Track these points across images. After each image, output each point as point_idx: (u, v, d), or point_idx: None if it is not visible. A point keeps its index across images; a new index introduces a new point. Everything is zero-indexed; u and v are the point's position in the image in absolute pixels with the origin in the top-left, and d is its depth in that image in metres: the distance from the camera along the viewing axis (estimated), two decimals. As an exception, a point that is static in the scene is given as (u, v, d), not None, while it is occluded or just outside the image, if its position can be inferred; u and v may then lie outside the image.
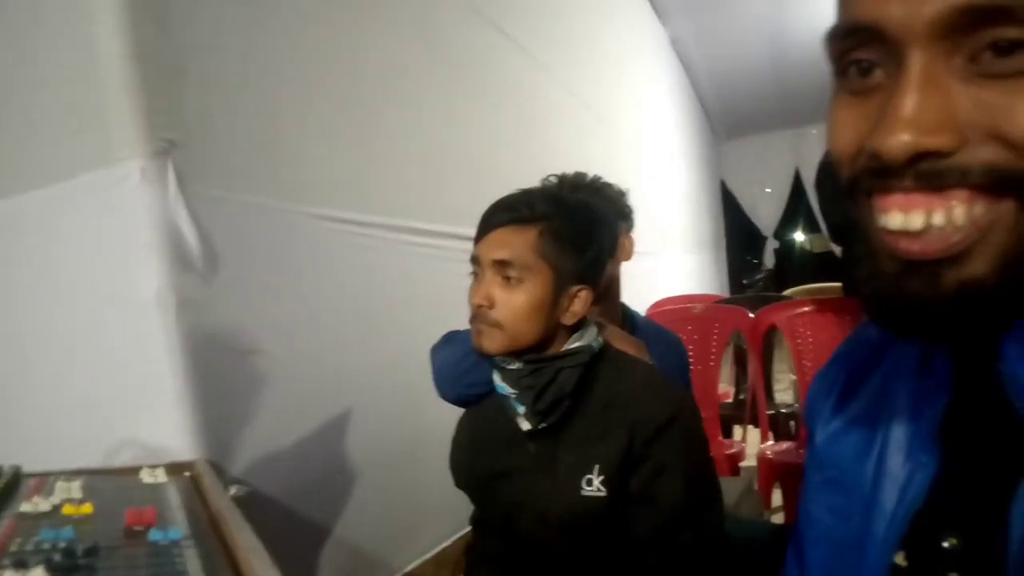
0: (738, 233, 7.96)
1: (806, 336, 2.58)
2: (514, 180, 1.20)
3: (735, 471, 2.45)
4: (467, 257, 1.10)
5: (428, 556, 1.92)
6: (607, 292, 1.44)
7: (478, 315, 1.05)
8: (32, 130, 1.35)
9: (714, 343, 2.78)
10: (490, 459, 1.15)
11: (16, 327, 1.36)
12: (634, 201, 1.57)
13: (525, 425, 1.08)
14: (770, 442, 2.72)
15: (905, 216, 0.43)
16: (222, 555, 0.74)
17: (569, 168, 1.51)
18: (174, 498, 0.95)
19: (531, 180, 1.33)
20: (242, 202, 1.44)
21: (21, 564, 0.64)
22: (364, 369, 1.73)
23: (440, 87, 2.20)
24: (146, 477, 1.06)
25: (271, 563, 0.69)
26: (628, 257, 1.54)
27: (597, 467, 1.04)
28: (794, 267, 8.05)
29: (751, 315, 2.78)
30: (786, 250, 8.11)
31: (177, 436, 1.27)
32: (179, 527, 0.79)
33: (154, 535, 0.76)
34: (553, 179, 1.46)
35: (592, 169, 1.53)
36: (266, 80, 1.54)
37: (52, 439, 1.27)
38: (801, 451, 2.43)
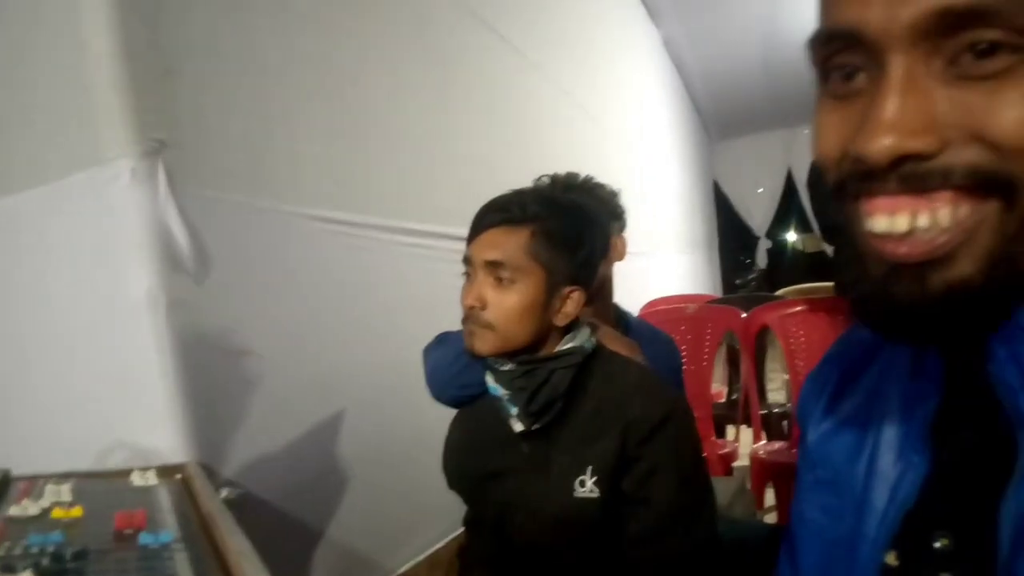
0: (731, 233, 7.98)
1: (798, 336, 2.59)
2: (507, 180, 1.20)
3: (728, 471, 2.46)
4: (460, 257, 1.10)
5: (421, 557, 1.92)
6: (600, 292, 1.44)
7: (470, 316, 1.05)
8: (21, 130, 1.34)
9: (707, 343, 2.79)
10: (483, 460, 1.15)
11: (5, 328, 1.35)
12: (627, 201, 1.58)
13: (518, 426, 1.07)
14: (763, 442, 2.73)
15: (890, 219, 0.43)
16: (213, 559, 0.73)
17: (562, 168, 1.51)
18: (165, 501, 0.94)
19: (524, 180, 1.33)
20: (234, 202, 1.44)
21: (9, 569, 0.63)
22: (356, 370, 1.72)
23: (433, 87, 2.19)
24: (137, 480, 1.05)
25: (262, 567, 0.69)
26: (621, 257, 1.54)
27: (590, 468, 1.04)
28: (786, 267, 8.07)
29: (744, 315, 2.79)
30: (778, 250, 8.13)
31: (168, 438, 1.26)
32: (169, 530, 0.78)
33: (144, 538, 0.75)
34: (545, 179, 1.46)
35: (584, 169, 1.53)
36: (258, 80, 1.54)
37: (42, 441, 1.26)
38: (793, 451, 2.44)
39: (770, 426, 2.94)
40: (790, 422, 2.90)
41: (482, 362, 1.10)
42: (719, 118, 7.09)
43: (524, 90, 2.89)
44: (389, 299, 1.87)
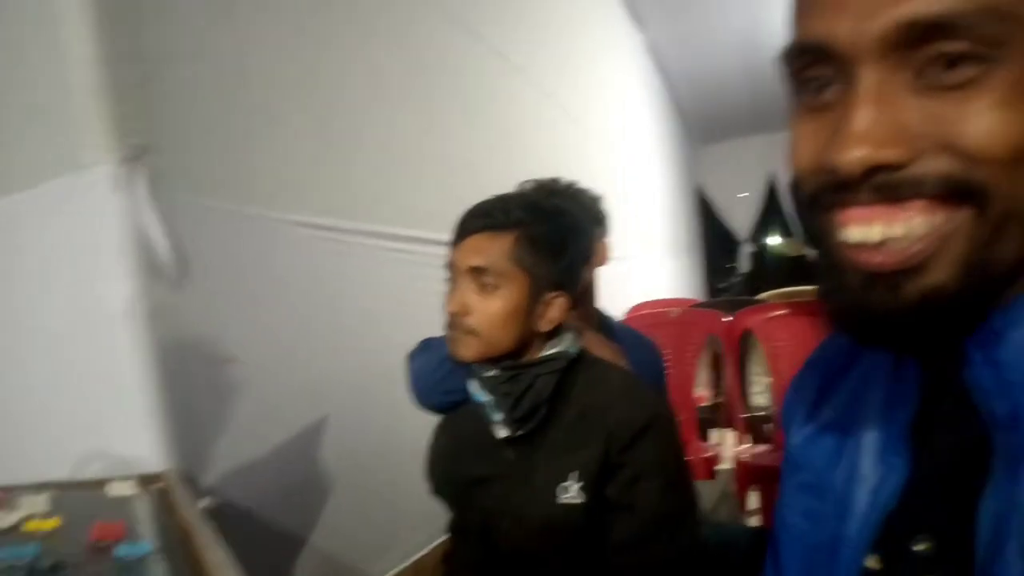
0: (714, 237, 8.03)
1: (781, 339, 2.60)
2: (490, 184, 1.19)
3: (712, 475, 2.47)
4: (444, 262, 1.09)
5: (406, 564, 1.91)
6: (583, 297, 1.44)
7: (453, 322, 1.04)
8: (-1, 135, 1.32)
9: (690, 347, 2.79)
10: (467, 466, 1.14)
11: (-19, 336, 1.33)
12: (610, 205, 1.58)
13: (502, 432, 1.07)
14: (746, 445, 2.74)
15: (865, 229, 0.44)
16: (192, 570, 0.73)
17: (545, 172, 1.51)
18: (143, 511, 0.93)
19: (507, 185, 1.33)
20: (215, 208, 1.43)
21: (-18, 582, 0.62)
22: (339, 376, 1.71)
23: (417, 92, 2.19)
24: (115, 490, 1.04)
25: (241, 577, 0.68)
26: (604, 262, 1.54)
27: (574, 474, 1.04)
28: (769, 271, 8.12)
29: (726, 319, 2.80)
30: (761, 254, 8.19)
31: (147, 447, 1.25)
32: (148, 541, 0.77)
33: (121, 550, 0.74)
34: (529, 184, 1.46)
35: (567, 173, 1.53)
36: (241, 85, 1.53)
37: (18, 451, 1.24)
38: (777, 454, 2.45)
39: (753, 429, 2.95)
40: (773, 425, 2.91)
41: (466, 368, 1.09)
42: (702, 123, 7.14)
43: (507, 94, 2.89)
44: (372, 304, 1.86)
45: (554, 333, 1.10)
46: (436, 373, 1.21)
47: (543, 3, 3.44)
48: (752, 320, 2.71)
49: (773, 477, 0.75)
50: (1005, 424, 0.44)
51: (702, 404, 3.30)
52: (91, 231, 1.25)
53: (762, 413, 3.07)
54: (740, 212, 7.59)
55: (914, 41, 0.41)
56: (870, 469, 0.54)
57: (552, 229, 1.08)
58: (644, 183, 5.36)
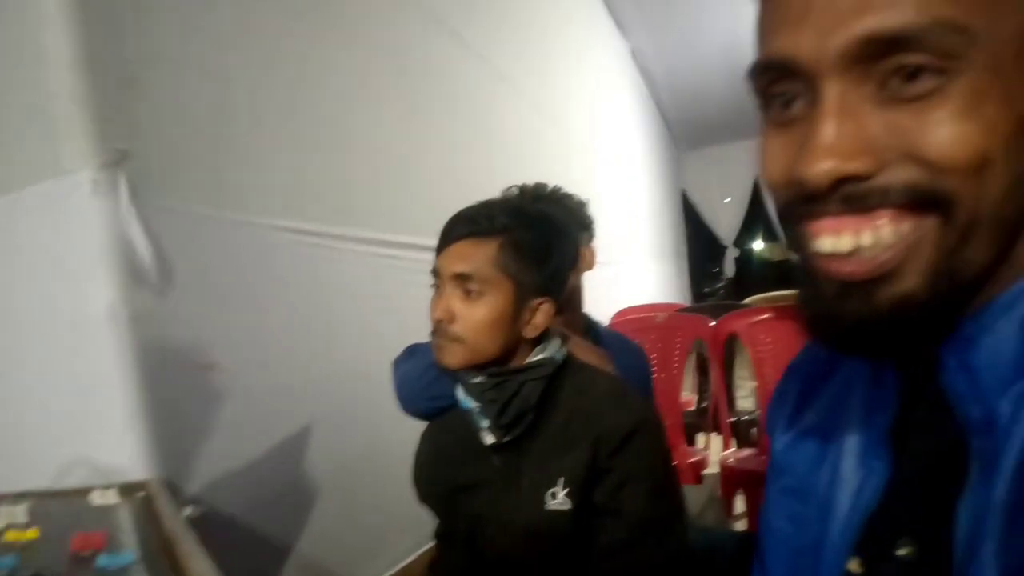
0: (699, 242, 8.06)
1: (766, 343, 2.61)
2: (474, 190, 1.19)
3: (699, 479, 2.47)
4: (429, 268, 1.09)
5: (392, 572, 1.90)
6: (569, 303, 1.44)
7: (439, 329, 1.04)
8: (-23, 140, 1.31)
9: (676, 351, 2.80)
10: (454, 473, 1.14)
11: (-40, 344, 1.31)
12: (595, 211, 1.58)
13: (489, 439, 1.07)
14: (732, 449, 2.75)
15: (835, 239, 0.45)
16: (174, 579, 0.72)
17: (530, 178, 1.51)
18: (126, 520, 0.92)
19: (492, 190, 1.33)
20: (198, 213, 1.42)
21: (-42, 595, 0.61)
22: (324, 383, 1.70)
23: (400, 97, 2.19)
24: (97, 499, 1.02)
25: (225, 587, 0.67)
26: (589, 267, 1.54)
27: (561, 480, 1.03)
28: (754, 275, 8.16)
29: (712, 323, 2.81)
30: (746, 259, 8.23)
31: (130, 455, 1.23)
32: (130, 551, 0.77)
33: (102, 560, 0.73)
34: (514, 190, 1.46)
35: (552, 178, 1.53)
36: (224, 90, 1.52)
37: (-3, 460, 1.22)
38: (762, 458, 2.46)
39: (739, 433, 2.97)
40: (759, 429, 2.92)
41: (452, 374, 1.09)
42: (686, 128, 7.17)
43: (492, 100, 2.89)
44: (356, 310, 1.86)
45: (540, 339, 1.10)
46: (422, 379, 1.21)
47: (527, 9, 3.45)
48: (737, 324, 2.72)
49: (758, 481, 0.76)
50: (979, 428, 0.45)
51: (688, 408, 3.31)
52: (72, 236, 1.24)
53: (748, 417, 3.09)
54: (725, 217, 7.62)
55: (874, 55, 0.42)
56: (851, 472, 0.54)
57: (537, 235, 1.08)
58: (629, 188, 5.38)
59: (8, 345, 1.29)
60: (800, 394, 0.65)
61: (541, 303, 1.07)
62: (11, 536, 0.80)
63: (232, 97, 1.54)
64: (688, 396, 3.41)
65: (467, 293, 1.03)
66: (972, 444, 0.45)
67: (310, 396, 1.66)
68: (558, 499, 1.03)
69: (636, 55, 5.57)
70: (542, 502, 1.04)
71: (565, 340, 1.15)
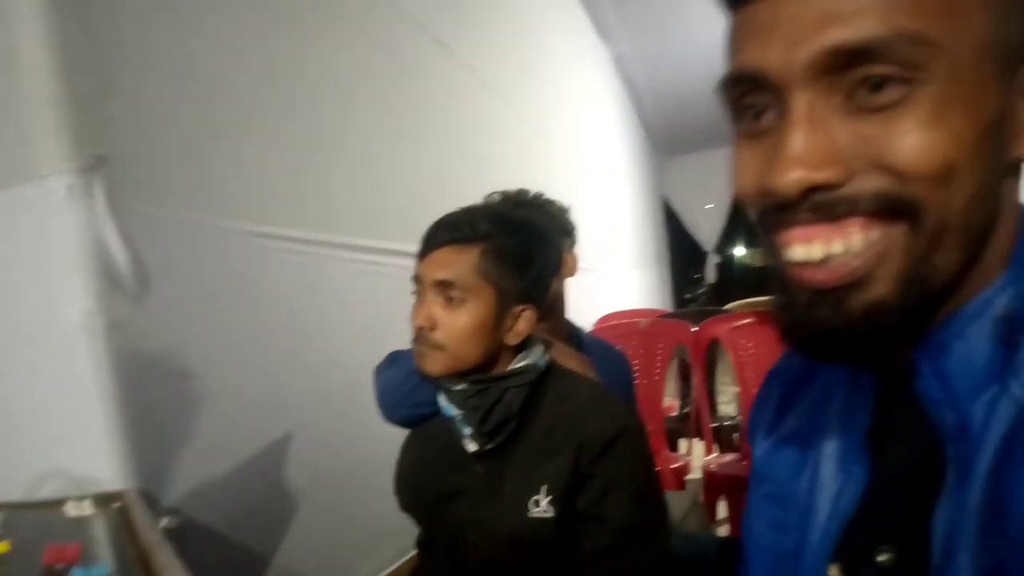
0: (680, 248, 8.11)
1: (747, 348, 2.62)
2: (457, 196, 1.19)
3: (682, 485, 2.48)
4: (411, 274, 1.08)
5: (374, 581, 1.88)
6: (552, 309, 1.44)
7: (420, 336, 1.03)
8: (-50, 145, 1.28)
9: (659, 357, 2.81)
10: (436, 481, 1.13)
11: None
12: (577, 217, 1.58)
13: (471, 446, 1.06)
14: (714, 455, 2.76)
15: (806, 248, 0.46)
16: (150, 592, 0.70)
17: (512, 184, 1.51)
18: (101, 532, 0.90)
19: (474, 196, 1.33)
20: (176, 219, 1.40)
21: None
22: (304, 391, 1.69)
23: (382, 103, 2.18)
24: (71, 510, 1.01)
25: (202, 600, 0.66)
26: (572, 273, 1.54)
27: (544, 487, 1.03)
28: (735, 281, 8.23)
29: (694, 329, 2.82)
30: (727, 265, 8.30)
31: (106, 465, 1.21)
32: (105, 564, 0.75)
33: (76, 574, 0.72)
34: (496, 196, 1.46)
35: (534, 185, 1.53)
36: (204, 94, 1.50)
37: (-31, 471, 1.20)
38: (744, 463, 2.47)
39: (721, 439, 2.98)
40: (741, 434, 2.94)
41: (434, 381, 1.08)
42: (668, 135, 7.22)
43: (474, 106, 2.89)
44: (339, 317, 1.84)
45: (523, 346, 1.09)
46: (403, 387, 1.20)
47: (510, 17, 3.46)
48: (719, 330, 2.73)
49: (741, 486, 0.76)
50: (954, 434, 0.46)
51: (670, 414, 3.32)
52: (47, 242, 1.22)
53: (730, 422, 3.10)
54: (706, 223, 7.68)
55: (840, 66, 0.43)
56: (830, 477, 0.55)
57: (519, 241, 1.07)
58: (611, 195, 5.40)
59: (-20, 354, 1.27)
60: (781, 400, 0.65)
61: (523, 310, 1.07)
62: (-19, 549, 0.79)
63: (211, 102, 1.53)
64: (670, 402, 3.42)
65: (449, 300, 1.03)
66: (947, 449, 0.46)
67: (290, 404, 1.65)
68: (541, 506, 1.03)
69: (618, 62, 5.61)
70: (525, 510, 1.03)
71: (548, 346, 1.15)
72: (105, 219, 1.22)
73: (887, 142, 0.43)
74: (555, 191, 1.58)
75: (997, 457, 0.43)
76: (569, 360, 1.22)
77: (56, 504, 1.02)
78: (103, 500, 1.05)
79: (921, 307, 0.46)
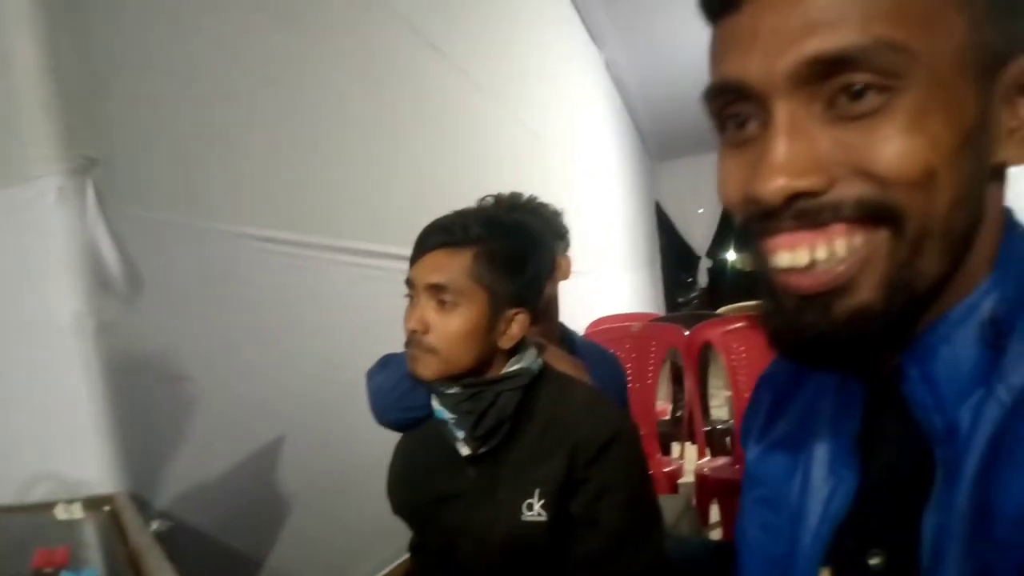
0: (672, 252, 8.13)
1: (740, 352, 2.63)
2: (450, 199, 1.19)
3: (674, 488, 2.48)
4: (404, 277, 1.08)
5: (365, 585, 1.87)
6: (545, 312, 1.44)
7: (412, 340, 1.03)
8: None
9: (651, 361, 2.81)
10: (429, 484, 1.13)
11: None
12: (570, 221, 1.58)
13: (465, 450, 1.06)
14: (707, 458, 2.76)
15: (792, 254, 0.46)
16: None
17: (505, 187, 1.51)
18: (91, 536, 0.90)
19: (467, 199, 1.32)
20: (168, 221, 1.39)
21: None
22: (297, 394, 1.68)
23: (376, 105, 2.18)
24: (61, 513, 1.00)
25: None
26: (565, 277, 1.55)
27: (538, 491, 1.03)
28: (727, 285, 8.25)
29: (686, 332, 2.83)
30: (719, 269, 8.32)
31: (96, 468, 1.21)
32: (94, 568, 0.75)
33: (65, 577, 0.71)
34: (489, 199, 1.45)
35: (527, 188, 1.53)
36: (196, 96, 1.50)
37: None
38: (737, 467, 2.47)
39: (714, 442, 2.99)
40: (733, 438, 2.94)
41: (426, 385, 1.08)
42: (660, 139, 7.24)
43: (467, 109, 2.90)
44: (331, 320, 1.84)
45: (516, 349, 1.09)
46: (396, 390, 1.20)
47: (503, 20, 3.47)
48: (711, 333, 2.74)
49: (733, 490, 0.76)
50: (942, 438, 0.46)
51: (663, 418, 3.33)
52: (37, 244, 1.22)
53: (722, 426, 3.11)
54: (698, 227, 7.70)
55: (820, 75, 0.44)
56: (821, 481, 0.55)
57: (512, 245, 1.07)
58: (604, 198, 5.41)
59: (-30, 356, 1.26)
60: (772, 404, 0.65)
61: (516, 313, 1.07)
62: (-31, 553, 0.78)
63: (204, 104, 1.52)
64: (663, 405, 3.43)
65: (441, 303, 1.02)
66: (936, 453, 0.46)
67: (282, 407, 1.64)
68: (534, 510, 1.03)
69: (610, 66, 5.62)
70: (518, 513, 1.03)
71: (541, 350, 1.15)
72: (96, 221, 1.21)
73: (868, 149, 0.43)
74: (550, 193, 1.58)
75: (983, 460, 0.43)
76: (562, 364, 1.22)
77: (46, 507, 1.02)
78: (93, 503, 1.05)
79: (906, 312, 0.46)
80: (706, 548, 1.56)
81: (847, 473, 0.53)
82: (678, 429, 3.25)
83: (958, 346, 0.47)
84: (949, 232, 0.45)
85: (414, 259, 1.07)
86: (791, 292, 0.47)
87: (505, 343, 1.06)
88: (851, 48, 0.42)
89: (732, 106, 0.48)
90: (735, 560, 0.65)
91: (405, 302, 1.07)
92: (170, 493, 1.32)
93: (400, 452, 1.22)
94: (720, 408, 3.42)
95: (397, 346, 1.12)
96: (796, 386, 0.63)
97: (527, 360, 1.09)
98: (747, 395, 0.70)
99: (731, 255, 9.04)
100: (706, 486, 2.48)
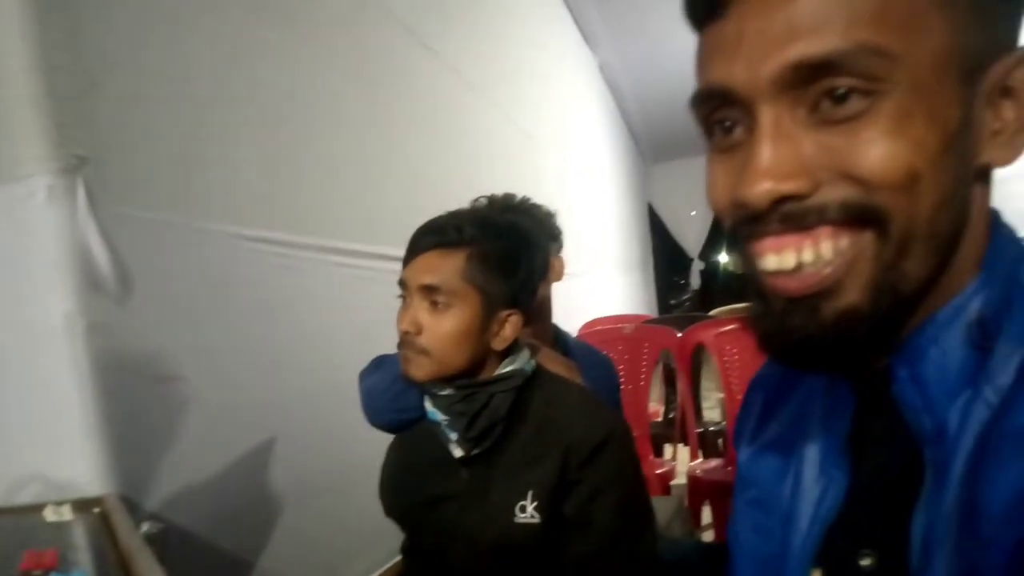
0: (665, 254, 8.16)
1: (732, 354, 2.64)
2: (443, 200, 1.19)
3: (667, 490, 2.48)
4: (396, 278, 1.08)
5: (357, 587, 1.87)
6: (539, 313, 1.44)
7: (405, 341, 1.03)
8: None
9: (644, 362, 2.81)
10: (422, 486, 1.13)
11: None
12: (563, 222, 1.58)
13: (457, 452, 1.06)
14: (699, 460, 2.76)
15: (778, 257, 0.47)
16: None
17: (498, 187, 1.51)
18: (80, 537, 0.89)
19: (461, 199, 1.32)
20: (159, 221, 1.39)
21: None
22: (289, 395, 1.67)
23: (370, 105, 2.17)
24: (50, 515, 0.99)
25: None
26: (559, 278, 1.55)
27: (531, 493, 1.03)
28: (719, 287, 8.28)
29: (679, 334, 2.83)
30: (711, 271, 8.35)
31: (86, 469, 1.20)
32: (83, 570, 0.74)
33: (54, 580, 0.71)
34: (482, 200, 1.45)
35: (520, 189, 1.53)
36: (188, 95, 1.49)
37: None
38: (729, 468, 2.48)
39: (706, 444, 2.99)
40: (725, 440, 2.94)
41: (420, 386, 1.08)
42: (653, 142, 7.26)
43: (461, 109, 2.90)
44: (322, 321, 1.83)
45: (509, 351, 1.09)
46: (389, 391, 1.20)
47: (497, 21, 3.47)
48: (704, 335, 2.74)
49: (726, 492, 0.76)
50: (931, 438, 0.47)
51: (655, 419, 3.33)
52: (27, 243, 1.21)
53: (715, 427, 3.11)
54: (691, 230, 7.73)
55: (804, 79, 0.44)
56: (812, 482, 0.56)
57: (505, 246, 1.07)
58: (597, 200, 5.42)
59: (-42, 356, 1.25)
60: (764, 406, 0.66)
61: (510, 315, 1.06)
62: (-43, 555, 0.77)
63: (195, 103, 1.52)
64: (655, 407, 3.43)
65: (434, 305, 1.02)
66: (925, 453, 0.47)
67: (273, 409, 1.63)
68: (527, 512, 1.03)
69: (604, 69, 5.63)
70: (511, 515, 1.03)
71: (534, 351, 1.15)
72: (87, 220, 1.21)
73: (852, 152, 0.44)
74: (543, 194, 1.58)
75: (970, 460, 0.44)
76: (556, 365, 1.22)
77: (35, 509, 1.01)
78: (83, 505, 1.04)
79: (892, 314, 0.47)
80: (698, 550, 1.56)
81: (837, 474, 0.53)
82: (670, 431, 3.26)
83: (946, 347, 0.47)
84: (934, 234, 0.45)
85: (407, 260, 1.07)
86: (779, 295, 0.48)
87: (498, 344, 1.06)
88: (834, 53, 0.43)
89: (718, 112, 0.49)
90: (727, 562, 0.65)
91: (398, 303, 1.07)
92: (160, 495, 1.31)
93: (392, 454, 1.21)
94: (712, 410, 3.43)
95: (390, 347, 1.12)
96: (788, 388, 0.64)
97: (520, 361, 1.09)
98: (739, 397, 0.70)
99: (723, 257, 9.07)
100: (698, 488, 2.48)
